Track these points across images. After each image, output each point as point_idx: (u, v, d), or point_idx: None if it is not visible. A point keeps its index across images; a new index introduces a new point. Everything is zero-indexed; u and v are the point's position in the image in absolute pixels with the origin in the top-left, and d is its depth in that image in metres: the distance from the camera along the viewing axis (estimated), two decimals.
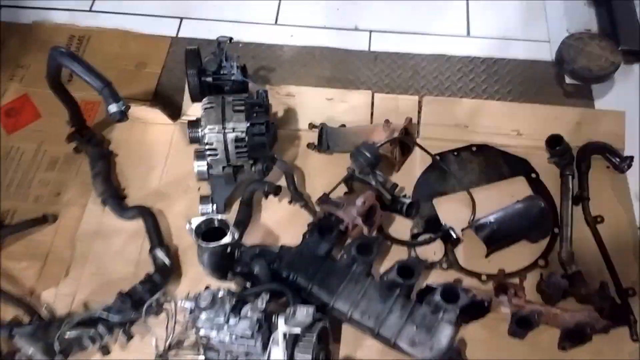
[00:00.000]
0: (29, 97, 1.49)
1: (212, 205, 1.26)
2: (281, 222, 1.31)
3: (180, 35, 1.64)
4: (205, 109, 1.16)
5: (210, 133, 1.14)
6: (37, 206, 1.33)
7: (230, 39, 1.24)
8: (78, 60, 1.07)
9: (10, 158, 1.40)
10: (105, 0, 1.70)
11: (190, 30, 1.65)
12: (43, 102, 1.48)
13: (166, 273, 1.19)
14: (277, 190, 1.24)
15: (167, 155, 1.41)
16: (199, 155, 1.26)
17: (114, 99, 1.06)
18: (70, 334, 1.03)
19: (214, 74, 1.25)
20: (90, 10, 1.69)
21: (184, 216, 1.31)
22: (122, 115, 1.07)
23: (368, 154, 1.18)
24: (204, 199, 1.27)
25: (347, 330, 1.17)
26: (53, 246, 1.28)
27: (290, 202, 1.30)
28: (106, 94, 1.06)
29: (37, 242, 1.28)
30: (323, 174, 1.36)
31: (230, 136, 1.14)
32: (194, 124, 1.20)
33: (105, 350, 1.08)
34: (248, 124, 1.14)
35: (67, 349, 1.05)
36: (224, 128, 1.14)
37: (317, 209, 1.29)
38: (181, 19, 1.67)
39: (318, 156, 1.40)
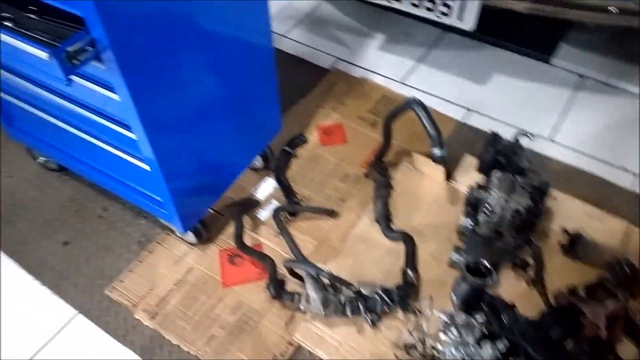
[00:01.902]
0: (342, 126, 1.96)
1: (463, 258, 1.48)
2: (512, 297, 1.47)
3: (464, 121, 1.99)
4: (499, 178, 1.42)
5: (497, 197, 1.39)
6: (325, 202, 1.72)
7: (531, 134, 1.51)
8: (425, 110, 1.44)
9: (317, 161, 1.84)
10: (417, 78, 2.16)
11: (473, 120, 1.99)
12: (351, 132, 1.93)
13: (411, 290, 1.43)
14: (526, 266, 1.43)
15: (431, 204, 1.70)
16: (468, 214, 1.52)
17: (440, 145, 1.40)
18: (344, 298, 1.32)
19: (506, 155, 1.52)
20: (401, 82, 2.15)
21: (431, 255, 1.57)
22: (441, 159, 1.39)
23: (628, 270, 1.31)
24: (458, 250, 1.51)
25: None
26: (329, 234, 1.63)
27: (528, 282, 1.46)
28: (435, 140, 1.40)
29: (319, 226, 1.65)
30: (562, 274, 1.49)
31: (512, 206, 1.38)
32: (480, 187, 1.47)
33: (375, 321, 1.34)
34: (531, 204, 1.37)
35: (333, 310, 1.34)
36: (510, 198, 1.38)
37: (551, 299, 1.43)
38: (468, 109, 2.03)
39: (562, 258, 1.55)
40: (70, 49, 0.97)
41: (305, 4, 2.55)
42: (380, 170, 1.74)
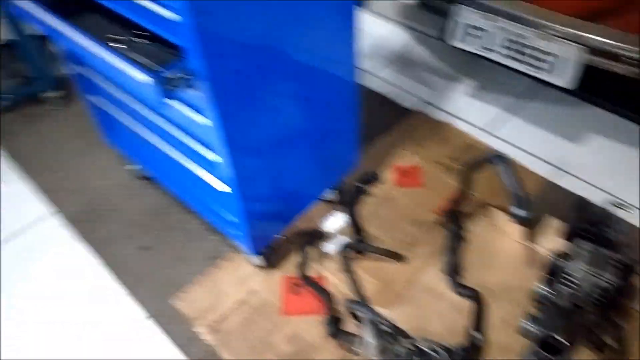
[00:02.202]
0: (420, 169, 1.93)
1: (536, 328, 1.38)
2: None
3: (551, 180, 1.88)
4: (585, 249, 1.33)
5: (581, 270, 1.29)
6: (394, 244, 1.68)
7: (625, 203, 1.40)
8: (510, 167, 1.39)
9: (390, 202, 1.82)
10: (505, 129, 2.09)
11: (561, 180, 1.88)
12: (428, 176, 1.90)
13: (475, 353, 1.36)
14: (605, 347, 1.30)
15: (506, 263, 1.62)
16: (546, 281, 1.43)
17: (521, 204, 1.33)
18: (402, 350, 1.28)
19: (594, 224, 1.41)
20: (487, 131, 2.10)
21: (500, 318, 1.48)
22: (523, 219, 1.32)
23: None
24: (531, 318, 1.41)
25: None
26: (394, 278, 1.60)
27: None
28: (516, 198, 1.34)
29: (384, 269, 1.62)
30: None
31: (599, 282, 1.28)
32: (563, 254, 1.38)
33: None
34: (619, 281, 1.26)
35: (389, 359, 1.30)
36: (595, 272, 1.28)
37: None
38: (557, 168, 1.92)
39: None
40: (168, 75, 1.05)
41: (398, 45, 2.58)
42: (455, 220, 1.69)
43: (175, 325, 1.54)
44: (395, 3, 2.80)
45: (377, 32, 2.66)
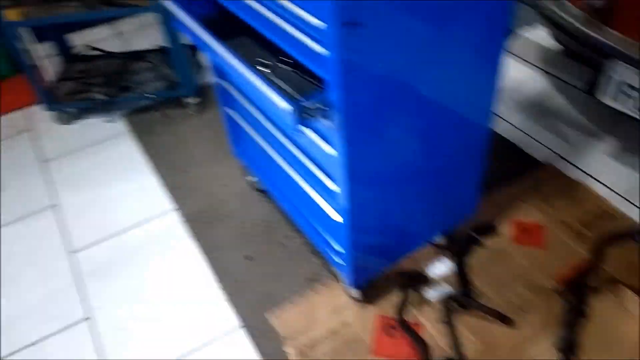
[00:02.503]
0: (542, 228, 1.77)
1: None
2: None
3: None
4: None
5: None
6: (502, 305, 1.56)
7: None
8: None
9: (505, 259, 1.69)
10: None
11: None
12: (551, 238, 1.74)
13: None
14: None
15: (630, 351, 1.41)
16: None
17: None
18: None
19: None
20: (627, 199, 1.86)
21: None
22: None
23: None
24: None
25: None
26: (499, 343, 1.47)
27: None
28: None
29: (489, 330, 1.50)
30: None
31: None
32: None
33: None
34: None
35: None
36: None
37: None
38: None
39: None
40: (307, 104, 1.08)
41: (535, 91, 2.43)
42: (578, 292, 1.52)
43: (265, 340, 1.57)
44: (538, 47, 2.65)
45: (515, 75, 2.53)
